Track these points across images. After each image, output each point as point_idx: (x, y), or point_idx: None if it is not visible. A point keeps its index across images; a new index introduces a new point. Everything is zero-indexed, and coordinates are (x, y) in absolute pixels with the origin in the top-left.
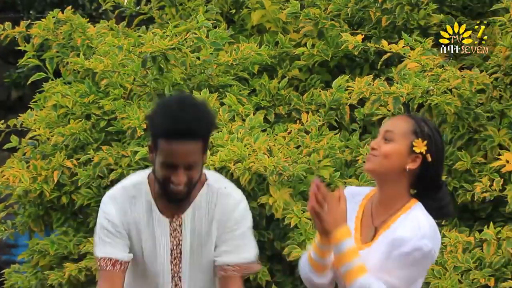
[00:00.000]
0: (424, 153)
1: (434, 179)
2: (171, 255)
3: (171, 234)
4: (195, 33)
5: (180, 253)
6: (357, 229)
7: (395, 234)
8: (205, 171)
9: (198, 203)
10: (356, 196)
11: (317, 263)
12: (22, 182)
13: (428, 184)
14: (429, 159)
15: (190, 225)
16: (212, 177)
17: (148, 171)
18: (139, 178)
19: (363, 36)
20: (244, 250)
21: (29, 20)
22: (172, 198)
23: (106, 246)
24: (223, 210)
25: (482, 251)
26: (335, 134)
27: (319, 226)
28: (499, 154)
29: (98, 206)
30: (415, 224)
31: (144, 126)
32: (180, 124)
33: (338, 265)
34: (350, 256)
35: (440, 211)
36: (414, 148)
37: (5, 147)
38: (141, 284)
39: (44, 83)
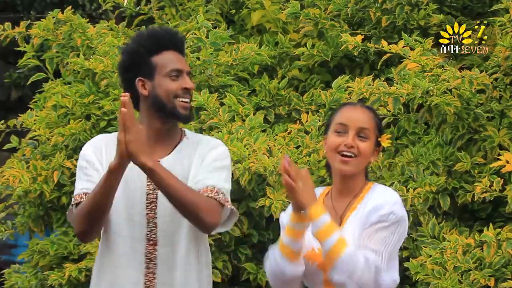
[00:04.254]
0: (387, 146)
1: None
2: (147, 199)
3: (147, 177)
4: (195, 33)
5: (156, 197)
6: None
7: (371, 205)
8: (184, 129)
9: (179, 150)
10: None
11: (290, 248)
12: (22, 183)
13: None
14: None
15: (170, 169)
16: (191, 133)
17: None
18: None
19: (363, 36)
20: (218, 178)
21: (29, 20)
22: (183, 115)
23: (82, 183)
24: (202, 151)
25: (482, 251)
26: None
27: (294, 201)
28: (499, 155)
29: None
30: (385, 194)
31: None
32: (170, 36)
33: (319, 241)
34: (330, 230)
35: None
36: (382, 144)
37: (5, 147)
38: (114, 240)
39: (44, 83)
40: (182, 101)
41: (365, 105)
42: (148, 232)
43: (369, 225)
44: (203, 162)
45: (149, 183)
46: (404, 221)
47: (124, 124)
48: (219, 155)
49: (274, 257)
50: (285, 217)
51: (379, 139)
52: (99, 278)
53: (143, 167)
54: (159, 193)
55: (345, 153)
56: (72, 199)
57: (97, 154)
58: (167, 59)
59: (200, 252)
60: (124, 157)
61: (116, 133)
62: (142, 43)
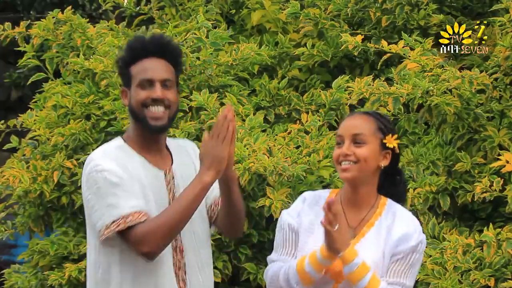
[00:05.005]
0: (395, 147)
1: (397, 166)
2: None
3: (166, 186)
4: (195, 33)
5: None
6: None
7: (399, 232)
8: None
9: (176, 155)
10: (319, 200)
11: (310, 276)
12: (22, 183)
13: (392, 173)
14: (397, 150)
15: (182, 175)
16: (167, 139)
17: (117, 138)
18: (116, 143)
19: (363, 36)
20: None
21: (29, 20)
22: (153, 126)
23: (129, 200)
24: (191, 155)
25: (482, 251)
26: (335, 134)
27: (329, 243)
28: (499, 155)
29: None
30: (410, 220)
31: None
32: (147, 43)
33: (352, 282)
34: (363, 271)
35: (402, 195)
36: (387, 145)
37: (5, 147)
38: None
39: (44, 83)
40: (151, 110)
41: (366, 111)
42: (174, 242)
43: (401, 257)
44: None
45: (169, 194)
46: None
47: (227, 132)
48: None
49: (286, 273)
50: (290, 220)
51: (384, 141)
52: None
53: (229, 176)
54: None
55: (343, 162)
56: (122, 219)
57: (125, 170)
58: (140, 68)
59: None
60: (221, 172)
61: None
62: (124, 53)
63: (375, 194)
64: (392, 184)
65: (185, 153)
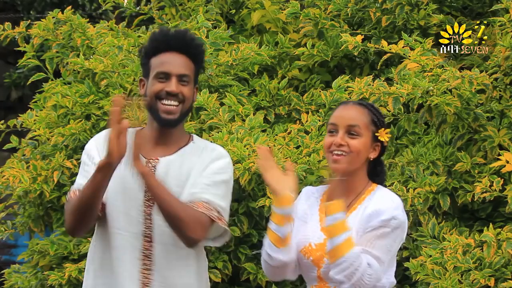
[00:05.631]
0: (387, 140)
1: (381, 158)
2: (145, 196)
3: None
4: (195, 33)
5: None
6: (322, 220)
7: (371, 209)
8: (193, 135)
9: (181, 154)
10: (314, 193)
11: (276, 234)
12: (22, 183)
13: (375, 163)
14: (386, 143)
15: (168, 169)
16: (199, 138)
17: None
18: (130, 129)
19: (363, 36)
20: (215, 194)
21: (29, 20)
22: (163, 119)
23: (80, 178)
24: (206, 159)
25: (482, 251)
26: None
27: (268, 186)
28: (499, 155)
29: None
30: (387, 198)
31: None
32: (170, 38)
33: (328, 236)
34: (341, 228)
35: (382, 179)
36: (379, 138)
37: (5, 147)
38: (113, 234)
39: (44, 83)
40: (164, 103)
41: (360, 102)
42: (144, 229)
43: (371, 230)
44: (204, 172)
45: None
46: (405, 226)
47: (115, 123)
48: (221, 168)
49: (264, 244)
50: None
51: (377, 134)
52: (97, 274)
53: (135, 170)
54: None
55: (335, 152)
56: (67, 194)
57: (100, 149)
58: (159, 61)
59: (200, 256)
60: (113, 156)
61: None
62: (146, 44)
63: (364, 182)
64: (374, 174)
65: (196, 156)
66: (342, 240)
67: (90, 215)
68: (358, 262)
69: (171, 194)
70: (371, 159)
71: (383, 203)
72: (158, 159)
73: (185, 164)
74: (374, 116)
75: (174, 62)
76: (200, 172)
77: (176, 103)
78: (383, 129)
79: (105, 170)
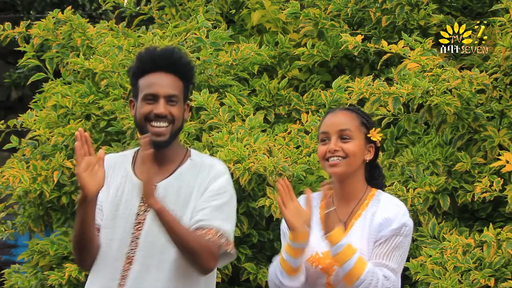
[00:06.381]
0: (378, 140)
1: (377, 160)
2: (136, 219)
3: (142, 198)
4: (195, 33)
5: (145, 219)
6: (325, 228)
7: (380, 217)
8: (190, 148)
9: (178, 175)
10: (313, 201)
11: (289, 264)
12: (22, 183)
13: (372, 166)
14: (378, 144)
15: (166, 193)
16: (196, 153)
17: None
18: (128, 152)
19: (363, 36)
20: (222, 219)
21: (29, 20)
22: (155, 141)
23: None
24: (204, 179)
25: (482, 251)
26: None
27: (287, 223)
28: (499, 155)
29: None
30: (393, 205)
31: None
32: (156, 58)
33: (339, 264)
34: (349, 252)
35: (381, 187)
36: (372, 138)
37: (5, 147)
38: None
39: (44, 83)
40: (153, 125)
41: (346, 107)
42: (128, 251)
43: (384, 240)
44: (205, 195)
45: (141, 204)
46: (411, 232)
47: (81, 157)
48: (221, 187)
49: (274, 270)
50: (285, 224)
51: (369, 135)
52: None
53: (150, 207)
54: (148, 216)
55: (331, 158)
56: None
57: (110, 174)
58: (147, 82)
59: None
60: (87, 190)
61: (123, 153)
62: (134, 64)
63: (364, 187)
64: (372, 177)
65: (194, 176)
66: (354, 263)
67: (89, 248)
68: (375, 279)
69: (183, 226)
70: (367, 161)
71: (391, 211)
72: (155, 186)
73: (183, 187)
74: (363, 118)
75: (161, 82)
76: (201, 194)
77: (165, 124)
78: (373, 129)
79: (84, 205)
